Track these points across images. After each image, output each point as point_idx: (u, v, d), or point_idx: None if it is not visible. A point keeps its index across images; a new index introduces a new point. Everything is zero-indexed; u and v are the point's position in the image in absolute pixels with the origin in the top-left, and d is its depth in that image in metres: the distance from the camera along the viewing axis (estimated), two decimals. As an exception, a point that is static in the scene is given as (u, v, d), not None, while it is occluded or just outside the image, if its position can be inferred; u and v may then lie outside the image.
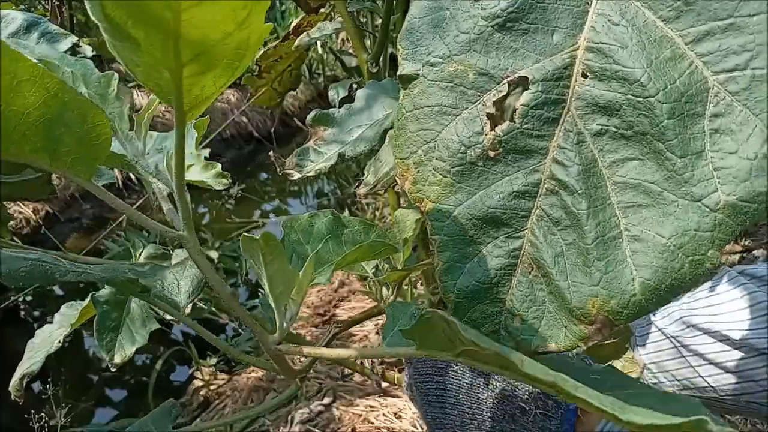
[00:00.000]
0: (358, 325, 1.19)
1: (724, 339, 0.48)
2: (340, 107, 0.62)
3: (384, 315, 0.47)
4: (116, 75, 0.49)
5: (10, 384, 0.68)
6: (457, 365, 0.43)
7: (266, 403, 0.48)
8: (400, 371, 1.22)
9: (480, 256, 0.29)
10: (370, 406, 1.12)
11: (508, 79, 0.28)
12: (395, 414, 1.09)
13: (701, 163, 0.24)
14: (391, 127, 0.69)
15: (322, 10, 0.94)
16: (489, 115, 0.28)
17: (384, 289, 0.82)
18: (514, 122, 0.28)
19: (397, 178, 0.31)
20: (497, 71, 0.28)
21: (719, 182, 0.24)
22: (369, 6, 0.84)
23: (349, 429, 1.07)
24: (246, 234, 0.32)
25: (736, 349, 0.47)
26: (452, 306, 0.30)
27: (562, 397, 0.22)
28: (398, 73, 0.29)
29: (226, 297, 0.36)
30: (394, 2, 0.77)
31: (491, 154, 0.28)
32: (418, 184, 0.29)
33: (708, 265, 0.24)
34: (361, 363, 1.24)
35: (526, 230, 0.28)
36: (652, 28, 0.25)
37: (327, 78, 3.33)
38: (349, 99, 0.65)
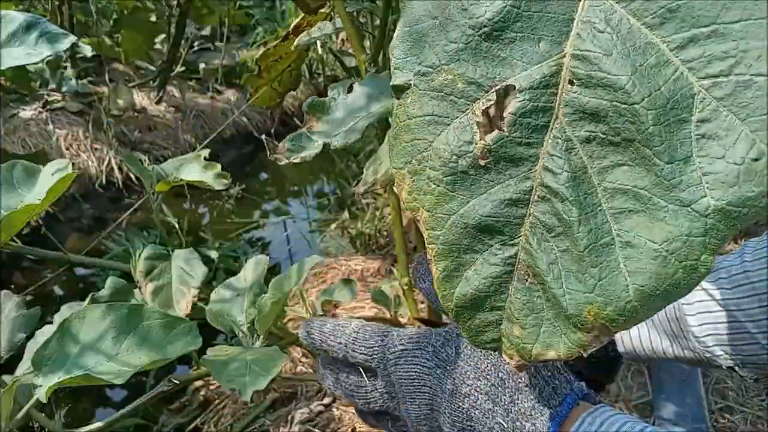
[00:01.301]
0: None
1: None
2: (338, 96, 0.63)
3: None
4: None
5: (11, 385, 0.68)
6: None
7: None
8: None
9: (476, 265, 0.29)
10: (370, 406, 1.12)
11: (496, 87, 0.28)
12: (395, 414, 1.09)
13: (689, 168, 0.24)
14: (389, 124, 0.69)
15: (323, 10, 0.94)
16: (479, 124, 0.28)
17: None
18: (503, 130, 0.28)
19: (394, 188, 0.31)
20: (485, 80, 0.28)
21: (708, 187, 0.24)
22: (368, 6, 0.84)
23: (349, 429, 1.07)
24: None
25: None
26: (453, 315, 0.30)
27: None
28: (391, 82, 0.29)
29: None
30: (393, 3, 0.77)
31: (482, 162, 0.28)
32: (414, 194, 0.29)
33: (702, 269, 0.24)
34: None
35: (521, 237, 0.28)
36: (636, 35, 0.25)
37: (327, 78, 3.32)
38: (349, 98, 0.66)
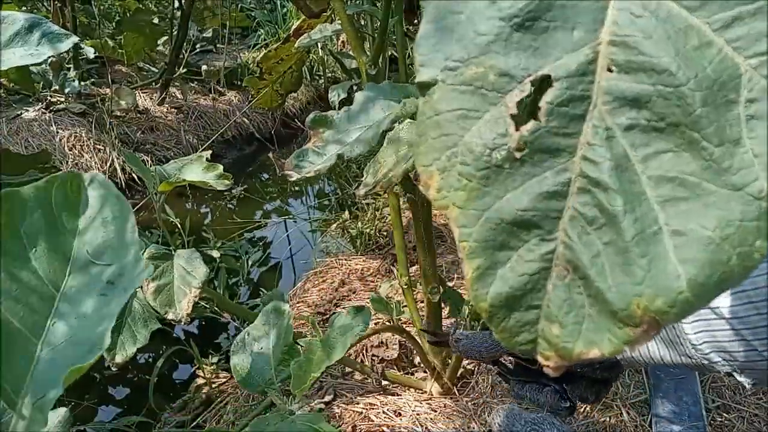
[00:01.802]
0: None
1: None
2: (339, 109, 0.64)
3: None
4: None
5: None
6: None
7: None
8: (399, 369, 1.23)
9: (512, 262, 0.28)
10: (371, 404, 1.12)
11: (530, 78, 0.27)
12: (395, 412, 1.10)
13: (740, 150, 0.23)
14: (390, 129, 0.70)
15: (324, 13, 0.95)
16: (513, 116, 0.27)
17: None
18: (540, 121, 0.27)
19: (421, 188, 0.30)
20: (518, 71, 0.27)
21: (760, 169, 0.23)
22: (368, 9, 0.85)
23: (350, 427, 1.08)
24: None
25: None
26: (486, 316, 0.29)
27: None
28: (416, 80, 0.29)
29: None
30: (393, 5, 0.78)
31: (517, 155, 0.27)
32: (443, 191, 0.28)
33: (757, 256, 0.23)
34: (362, 361, 1.25)
35: (559, 231, 0.27)
36: (676, 17, 0.25)
37: (328, 80, 3.34)
38: (349, 101, 0.67)
